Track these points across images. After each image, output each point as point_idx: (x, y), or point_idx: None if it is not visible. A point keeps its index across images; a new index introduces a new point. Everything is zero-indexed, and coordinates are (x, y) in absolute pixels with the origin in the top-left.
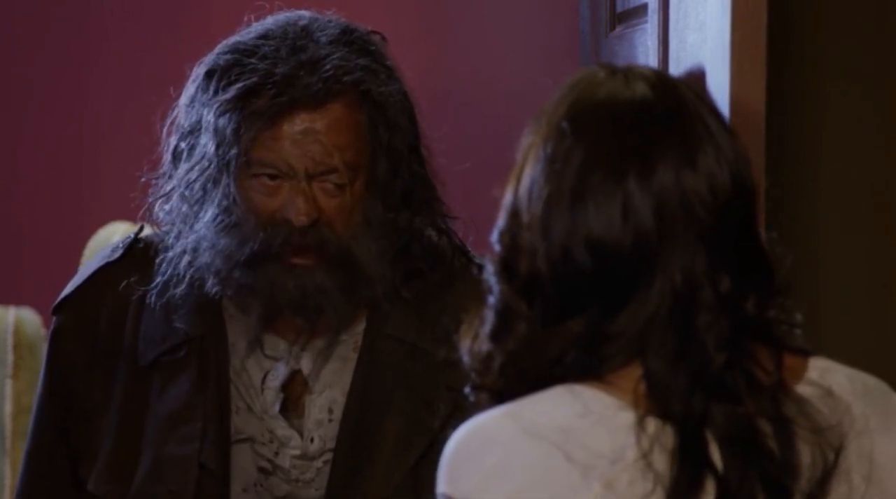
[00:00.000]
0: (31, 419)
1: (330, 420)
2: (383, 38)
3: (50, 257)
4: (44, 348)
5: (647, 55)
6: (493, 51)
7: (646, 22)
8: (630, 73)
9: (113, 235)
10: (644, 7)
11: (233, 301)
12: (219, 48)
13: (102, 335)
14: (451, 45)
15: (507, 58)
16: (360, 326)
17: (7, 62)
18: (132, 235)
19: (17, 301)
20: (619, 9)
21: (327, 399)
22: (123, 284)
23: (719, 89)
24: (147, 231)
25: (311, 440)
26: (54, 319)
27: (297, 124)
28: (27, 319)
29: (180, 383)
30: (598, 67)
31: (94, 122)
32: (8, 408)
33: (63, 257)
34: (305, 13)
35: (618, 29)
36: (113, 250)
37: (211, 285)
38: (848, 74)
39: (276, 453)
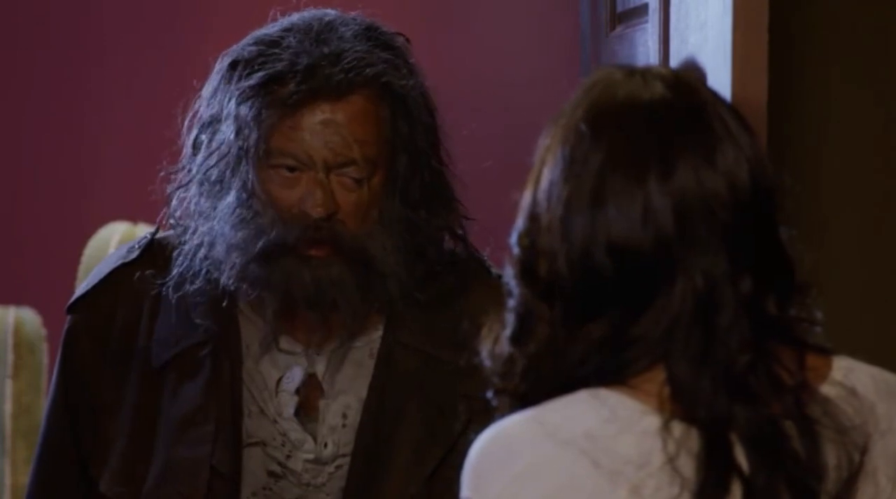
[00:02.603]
0: (42, 417)
1: (344, 426)
2: (407, 41)
3: (50, 257)
4: (44, 348)
5: (648, 55)
6: (494, 51)
7: (646, 22)
8: (648, 73)
9: (113, 235)
10: (645, 7)
11: (248, 297)
12: (245, 40)
13: (116, 335)
14: (451, 46)
15: (507, 58)
16: (376, 333)
17: (7, 62)
18: (148, 235)
19: (17, 301)
20: (619, 8)
21: (342, 405)
22: (138, 285)
23: (721, 89)
24: (163, 232)
25: (325, 445)
26: (69, 318)
27: (318, 115)
28: (27, 319)
29: (193, 386)
30: (615, 68)
31: (94, 123)
32: (8, 408)
33: (63, 257)
34: (331, 11)
35: (618, 29)
36: (129, 251)
37: (226, 279)
38: (850, 73)
39: (289, 457)
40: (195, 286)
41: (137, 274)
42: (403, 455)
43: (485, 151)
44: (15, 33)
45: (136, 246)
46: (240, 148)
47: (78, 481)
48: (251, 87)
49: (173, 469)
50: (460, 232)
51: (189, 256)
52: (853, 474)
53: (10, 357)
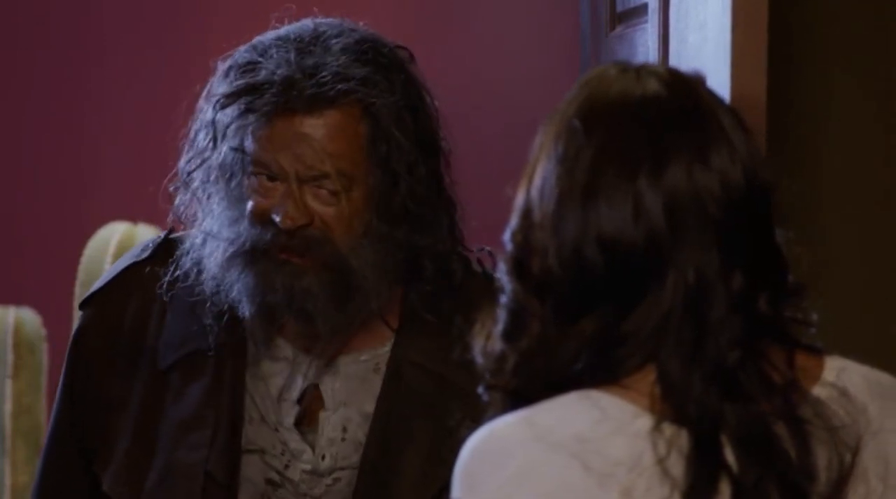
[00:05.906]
0: (51, 415)
1: (343, 439)
2: (411, 56)
3: (50, 257)
4: (44, 348)
5: (648, 55)
6: (494, 51)
7: (646, 22)
8: (642, 70)
9: (113, 235)
10: (644, 7)
11: (230, 305)
12: (245, 45)
13: (126, 334)
14: (451, 46)
15: (507, 58)
16: (383, 348)
17: (7, 62)
18: (163, 235)
19: (17, 301)
20: (619, 8)
21: (342, 417)
22: (149, 284)
23: (721, 89)
24: (178, 233)
25: (323, 457)
26: (81, 314)
27: (292, 128)
28: (27, 319)
29: (195, 390)
30: (611, 65)
31: (94, 123)
32: (8, 408)
33: (63, 257)
34: (330, 21)
35: (618, 28)
36: (143, 249)
37: (208, 289)
38: (850, 69)
39: (287, 466)
40: (199, 291)
41: (147, 270)
42: (410, 474)
43: (485, 151)
44: (15, 33)
45: (150, 245)
46: (214, 153)
47: (83, 475)
48: (227, 95)
49: (171, 473)
50: (457, 251)
51: (191, 259)
52: (844, 475)
53: (10, 357)
